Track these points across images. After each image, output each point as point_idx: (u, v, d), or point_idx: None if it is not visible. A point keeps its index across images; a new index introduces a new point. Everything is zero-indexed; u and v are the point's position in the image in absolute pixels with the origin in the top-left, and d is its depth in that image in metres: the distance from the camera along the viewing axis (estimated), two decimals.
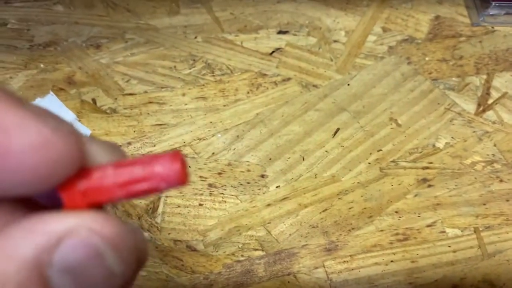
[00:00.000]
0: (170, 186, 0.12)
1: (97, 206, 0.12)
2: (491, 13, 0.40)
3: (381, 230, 0.30)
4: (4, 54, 0.37)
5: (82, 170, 0.12)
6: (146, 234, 0.29)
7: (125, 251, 0.12)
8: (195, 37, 0.38)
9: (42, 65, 0.37)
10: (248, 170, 0.32)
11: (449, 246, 0.29)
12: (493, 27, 0.40)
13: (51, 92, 0.34)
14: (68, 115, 0.32)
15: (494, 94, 0.36)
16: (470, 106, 0.35)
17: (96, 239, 0.12)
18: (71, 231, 0.12)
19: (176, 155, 0.12)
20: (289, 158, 0.33)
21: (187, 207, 0.31)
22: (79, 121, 0.33)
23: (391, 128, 0.34)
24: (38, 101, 0.33)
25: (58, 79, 0.36)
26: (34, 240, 0.12)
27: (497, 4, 0.40)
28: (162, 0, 0.41)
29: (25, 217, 0.12)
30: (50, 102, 0.33)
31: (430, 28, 0.40)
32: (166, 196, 0.31)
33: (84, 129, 0.31)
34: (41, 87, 0.35)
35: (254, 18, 0.40)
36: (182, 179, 0.12)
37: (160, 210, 0.30)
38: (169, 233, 0.29)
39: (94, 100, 0.35)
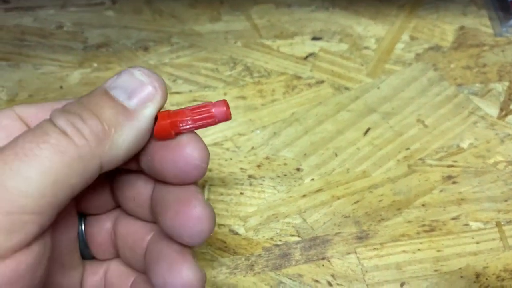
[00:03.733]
0: (221, 121, 0.20)
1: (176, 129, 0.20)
2: None
3: (409, 222, 0.32)
4: (61, 54, 0.41)
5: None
6: None
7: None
8: (235, 42, 0.41)
9: (95, 65, 0.40)
10: (285, 164, 0.35)
11: (473, 238, 0.32)
12: None
13: None
14: None
15: None
16: (493, 111, 0.38)
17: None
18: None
19: (223, 101, 0.20)
20: (322, 153, 0.35)
21: (229, 195, 0.33)
22: None
23: (419, 128, 0.36)
24: None
25: (110, 77, 0.39)
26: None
27: None
28: (205, 8, 0.44)
29: None
30: None
31: (455, 38, 0.42)
32: (210, 185, 0.34)
33: None
34: (95, 85, 0.39)
35: (290, 25, 0.43)
36: (227, 117, 0.20)
37: (205, 197, 0.33)
38: None
39: None
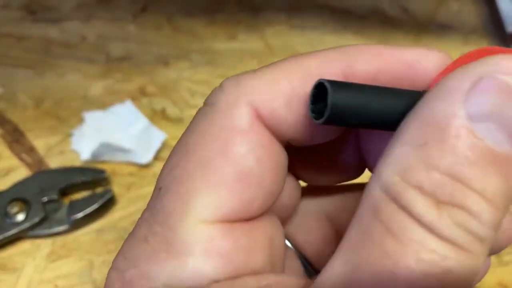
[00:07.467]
0: None
1: None
2: None
3: None
4: (84, 65, 0.43)
5: None
6: None
7: None
8: (251, 61, 0.44)
9: (118, 76, 0.42)
10: None
11: None
12: None
13: (129, 100, 0.39)
14: (143, 120, 0.37)
15: None
16: None
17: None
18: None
19: None
20: None
21: None
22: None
23: None
24: (118, 106, 0.38)
25: (131, 89, 0.41)
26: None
27: None
28: (222, 27, 0.46)
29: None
30: (128, 108, 0.38)
31: None
32: None
33: (159, 133, 0.37)
34: (117, 95, 0.41)
35: (302, 47, 0.45)
36: None
37: None
38: None
39: (163, 110, 0.40)
